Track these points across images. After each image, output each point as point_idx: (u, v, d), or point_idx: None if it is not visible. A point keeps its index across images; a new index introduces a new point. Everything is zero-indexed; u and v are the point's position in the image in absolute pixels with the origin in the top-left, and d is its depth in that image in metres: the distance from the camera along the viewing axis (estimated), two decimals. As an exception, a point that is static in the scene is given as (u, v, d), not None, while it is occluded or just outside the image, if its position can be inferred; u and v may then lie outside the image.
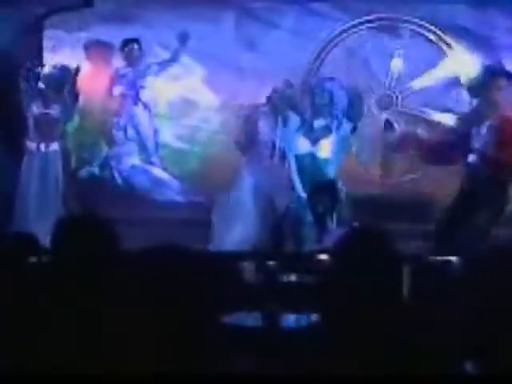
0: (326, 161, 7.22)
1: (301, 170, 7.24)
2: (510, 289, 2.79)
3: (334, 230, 6.50)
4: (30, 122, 7.83)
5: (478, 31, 8.18)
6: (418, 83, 8.30)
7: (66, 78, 7.82)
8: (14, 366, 2.68)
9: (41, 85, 7.86)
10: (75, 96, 7.85)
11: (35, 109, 7.82)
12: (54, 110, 7.80)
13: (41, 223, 6.97)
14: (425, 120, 8.30)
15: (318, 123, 7.23)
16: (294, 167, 7.28)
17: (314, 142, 7.20)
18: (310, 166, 7.22)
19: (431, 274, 5.15)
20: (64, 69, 7.90)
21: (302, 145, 7.24)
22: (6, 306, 2.85)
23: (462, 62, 8.22)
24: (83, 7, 8.41)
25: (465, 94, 8.12)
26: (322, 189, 6.85)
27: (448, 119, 8.23)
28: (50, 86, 7.84)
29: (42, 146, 7.83)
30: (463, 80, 8.19)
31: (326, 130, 7.21)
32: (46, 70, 7.93)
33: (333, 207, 6.74)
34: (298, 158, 7.27)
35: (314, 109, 7.28)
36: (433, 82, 8.27)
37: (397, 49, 8.29)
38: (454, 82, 8.28)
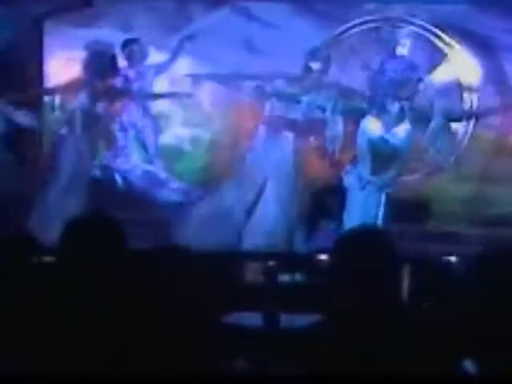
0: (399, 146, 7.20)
1: (371, 154, 7.19)
2: (510, 289, 2.80)
3: (326, 231, 6.50)
4: None
5: (478, 32, 8.17)
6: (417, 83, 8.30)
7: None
8: (15, 367, 2.68)
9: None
10: None
11: None
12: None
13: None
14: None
15: (391, 106, 7.15)
16: (364, 149, 7.19)
17: (388, 127, 7.12)
18: (381, 151, 7.17)
19: (431, 273, 5.16)
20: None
21: (374, 128, 7.16)
22: (6, 306, 2.85)
23: (462, 63, 8.22)
24: (83, 7, 8.39)
25: (465, 96, 8.14)
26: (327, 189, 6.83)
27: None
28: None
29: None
30: (463, 81, 8.20)
31: (400, 114, 7.15)
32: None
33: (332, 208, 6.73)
34: (368, 141, 7.20)
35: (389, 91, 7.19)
36: (433, 82, 8.27)
37: (396, 49, 8.27)
38: (454, 83, 8.27)
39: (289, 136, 7.78)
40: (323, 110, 7.46)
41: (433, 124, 7.34)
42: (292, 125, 7.78)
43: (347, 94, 7.55)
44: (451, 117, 7.45)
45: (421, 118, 7.22)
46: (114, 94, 8.44)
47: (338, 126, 7.43)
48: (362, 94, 7.57)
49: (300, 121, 7.72)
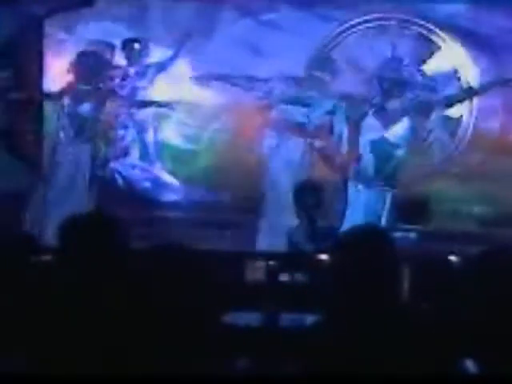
0: (397, 145, 7.16)
1: (373, 155, 7.15)
2: (510, 289, 2.80)
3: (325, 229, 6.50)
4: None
5: (479, 31, 8.18)
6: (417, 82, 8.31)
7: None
8: (17, 367, 2.68)
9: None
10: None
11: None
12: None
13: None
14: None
15: (390, 105, 7.12)
16: (366, 151, 7.16)
17: (386, 125, 7.10)
18: (381, 150, 7.14)
19: (431, 273, 5.16)
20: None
21: (374, 128, 7.14)
22: (7, 306, 2.85)
23: (462, 62, 8.23)
24: (83, 6, 8.39)
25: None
26: (309, 187, 6.81)
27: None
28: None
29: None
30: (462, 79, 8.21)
31: (400, 112, 7.12)
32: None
33: (318, 206, 6.72)
34: (370, 142, 7.16)
35: (384, 90, 7.17)
36: (433, 82, 8.28)
37: (396, 48, 8.28)
38: (454, 81, 8.28)
39: (296, 139, 7.80)
40: (332, 113, 7.44)
41: (433, 115, 7.31)
42: (300, 128, 7.79)
43: (348, 96, 7.55)
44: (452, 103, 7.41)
45: (421, 111, 7.19)
46: (114, 94, 8.43)
47: (343, 128, 7.42)
48: (362, 96, 7.57)
49: (308, 124, 7.74)
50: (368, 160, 7.22)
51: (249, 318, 4.47)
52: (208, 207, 8.22)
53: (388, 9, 8.27)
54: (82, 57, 7.90)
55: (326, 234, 6.25)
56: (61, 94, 7.84)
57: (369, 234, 2.83)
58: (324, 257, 5.09)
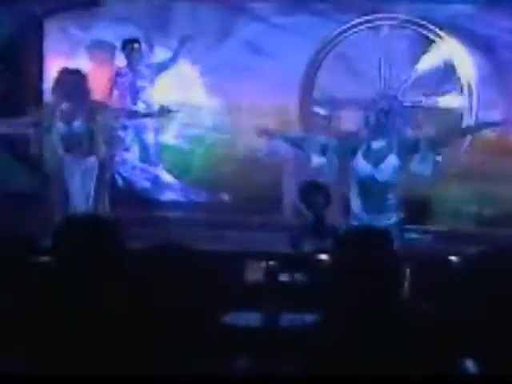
0: (387, 182, 7.05)
1: (362, 192, 7.04)
2: (510, 289, 2.80)
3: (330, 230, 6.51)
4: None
5: (479, 31, 8.19)
6: (417, 81, 8.32)
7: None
8: (17, 367, 2.68)
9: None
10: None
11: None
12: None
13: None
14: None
15: (377, 144, 7.02)
16: (354, 189, 7.07)
17: (375, 163, 6.99)
18: (371, 188, 7.02)
19: (431, 273, 5.16)
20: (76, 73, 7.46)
21: (363, 167, 7.03)
22: (7, 306, 2.85)
23: (462, 61, 8.24)
24: (84, 6, 8.40)
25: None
26: (317, 189, 6.82)
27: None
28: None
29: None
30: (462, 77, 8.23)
31: (386, 150, 7.01)
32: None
33: (326, 205, 6.74)
34: (359, 180, 7.07)
35: (371, 130, 7.07)
36: (433, 81, 8.29)
37: (396, 48, 8.29)
38: (453, 81, 8.30)
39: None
40: (325, 148, 7.33)
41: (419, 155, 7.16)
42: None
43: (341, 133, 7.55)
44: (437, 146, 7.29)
45: (407, 150, 7.07)
46: (113, 94, 8.44)
47: (333, 165, 7.33)
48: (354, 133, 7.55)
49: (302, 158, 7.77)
50: (356, 197, 7.10)
51: (249, 318, 4.47)
52: (208, 207, 8.23)
53: (388, 9, 8.29)
54: (64, 74, 7.48)
55: (330, 233, 6.27)
56: (50, 112, 7.50)
57: (369, 234, 2.83)
58: (324, 257, 5.09)
